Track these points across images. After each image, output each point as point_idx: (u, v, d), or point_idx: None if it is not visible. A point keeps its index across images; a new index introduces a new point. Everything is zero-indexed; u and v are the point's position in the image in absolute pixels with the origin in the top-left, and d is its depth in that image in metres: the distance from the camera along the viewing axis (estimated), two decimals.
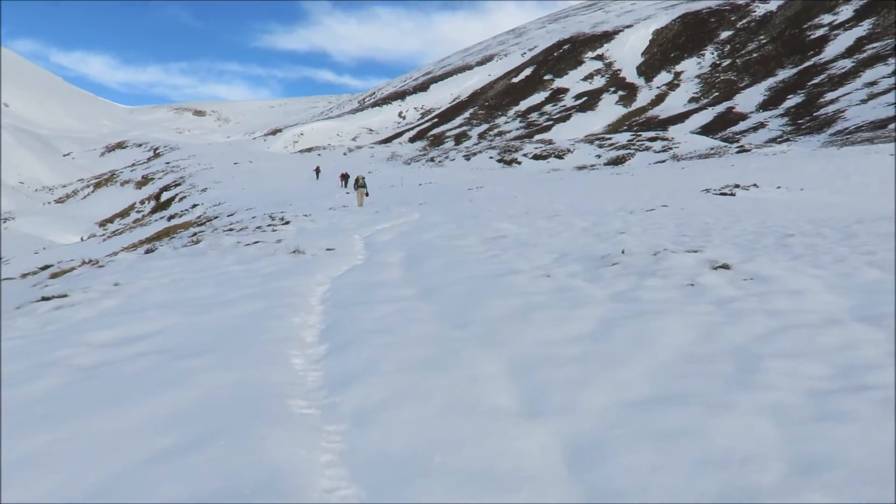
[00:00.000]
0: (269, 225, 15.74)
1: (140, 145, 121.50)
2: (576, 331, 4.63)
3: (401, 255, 9.24)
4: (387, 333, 4.66)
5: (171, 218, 44.91)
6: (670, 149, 59.67)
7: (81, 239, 51.41)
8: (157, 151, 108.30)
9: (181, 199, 55.92)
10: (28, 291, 8.31)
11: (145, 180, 77.62)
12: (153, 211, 59.72)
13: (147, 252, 12.36)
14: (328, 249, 9.82)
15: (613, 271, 6.82)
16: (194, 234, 18.90)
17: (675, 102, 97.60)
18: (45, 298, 6.55)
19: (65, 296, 6.64)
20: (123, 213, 65.22)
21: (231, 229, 16.64)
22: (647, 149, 61.24)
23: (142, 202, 66.37)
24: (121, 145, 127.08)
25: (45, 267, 12.33)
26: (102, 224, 63.15)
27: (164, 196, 62.29)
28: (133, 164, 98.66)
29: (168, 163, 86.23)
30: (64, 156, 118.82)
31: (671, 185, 26.29)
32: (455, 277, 6.84)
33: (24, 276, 11.52)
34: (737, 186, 20.53)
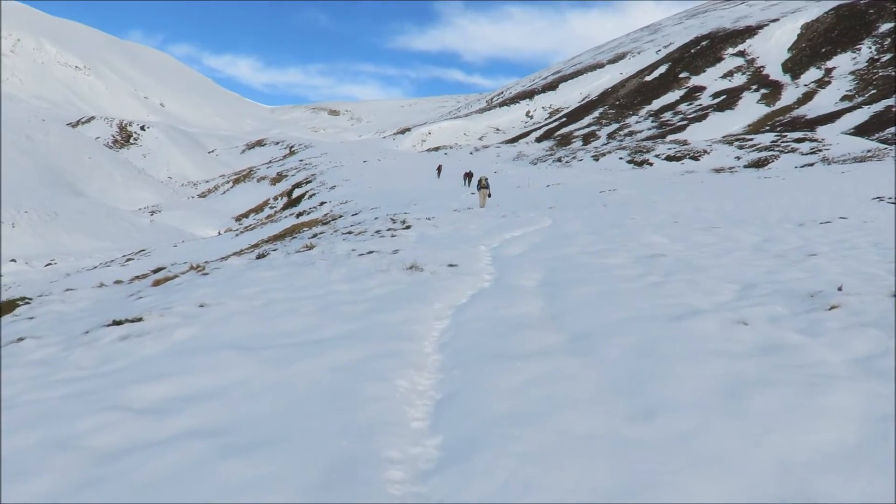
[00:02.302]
0: (390, 229, 14.58)
1: (277, 143, 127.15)
2: (832, 440, 2.86)
3: (537, 275, 7.62)
4: (530, 426, 3.10)
5: (299, 215, 45.61)
6: (820, 150, 54.69)
7: (219, 233, 53.51)
8: (292, 149, 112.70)
9: (310, 196, 57.02)
10: (117, 304, 7.47)
11: (279, 177, 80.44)
12: (284, 207, 61.40)
13: (258, 258, 11.49)
14: (450, 266, 8.36)
15: (837, 319, 4.88)
16: (314, 234, 18.20)
17: (825, 101, 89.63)
18: (116, 323, 5.53)
19: (139, 320, 5.61)
20: (258, 209, 67.71)
21: (350, 232, 15.66)
22: (794, 150, 56.46)
23: (275, 198, 68.60)
24: (260, 143, 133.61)
25: (157, 270, 11.80)
26: (238, 218, 65.88)
27: (296, 192, 63.95)
28: (270, 161, 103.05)
29: (301, 160, 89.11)
30: (209, 153, 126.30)
31: (832, 190, 23.09)
32: (614, 318, 5.16)
33: (131, 280, 10.97)
34: None
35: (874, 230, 11.92)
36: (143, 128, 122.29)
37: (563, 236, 12.10)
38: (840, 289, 5.76)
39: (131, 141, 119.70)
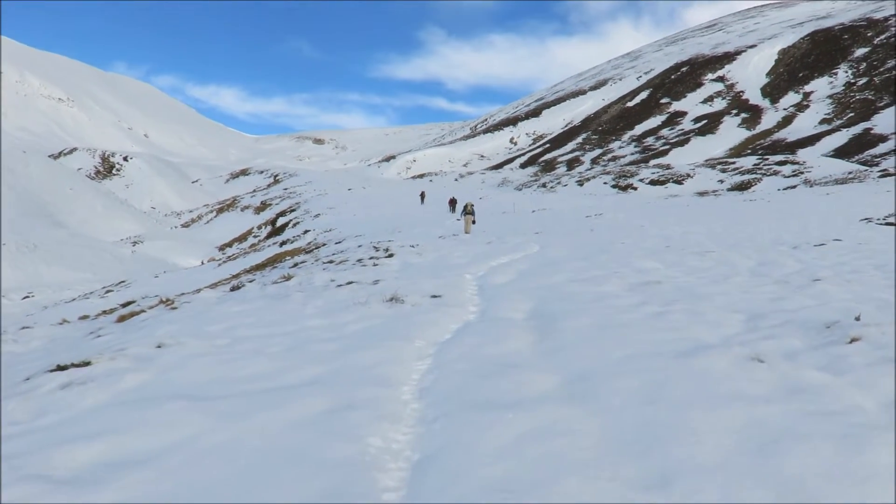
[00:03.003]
0: (372, 258, 14.05)
1: (262, 172, 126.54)
2: None
3: (526, 306, 7.11)
4: (525, 496, 2.56)
5: (283, 244, 45.00)
6: (801, 173, 55.14)
7: (202, 262, 52.67)
8: (277, 178, 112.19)
9: (294, 225, 56.46)
10: (72, 344, 6.88)
11: (263, 206, 79.90)
12: (268, 236, 60.79)
13: (232, 289, 10.91)
14: (433, 297, 7.83)
15: (861, 354, 4.41)
16: (295, 263, 17.65)
17: (805, 124, 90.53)
18: (60, 368, 4.95)
19: (86, 364, 5.03)
20: (241, 238, 67.00)
21: (331, 261, 15.13)
22: (776, 173, 56.88)
23: (259, 227, 68.00)
24: (244, 172, 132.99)
25: (127, 304, 11.19)
26: (222, 248, 65.13)
27: (280, 221, 63.39)
28: (254, 190, 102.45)
29: (286, 188, 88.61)
30: (193, 182, 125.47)
31: (819, 212, 22.94)
32: (614, 355, 4.66)
33: (97, 315, 10.35)
34: None
35: (871, 252, 11.58)
36: (125, 158, 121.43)
37: (552, 263, 11.62)
38: (858, 318, 5.30)
39: (114, 172, 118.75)
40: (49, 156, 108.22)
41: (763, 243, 14.87)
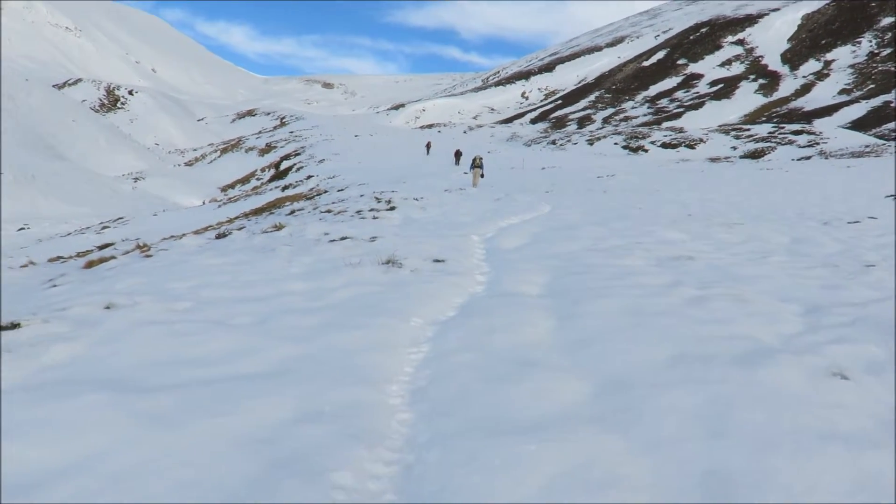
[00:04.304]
0: (372, 209, 13.10)
1: (268, 114, 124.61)
2: None
3: (541, 279, 6.18)
4: None
5: (285, 188, 44.03)
6: (817, 144, 53.94)
7: (203, 203, 51.83)
8: (283, 120, 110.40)
9: (298, 169, 55.35)
10: (23, 294, 5.99)
11: (268, 148, 78.57)
12: (271, 179, 59.75)
13: (218, 237, 10.00)
14: (435, 261, 6.89)
15: None
16: (292, 210, 16.73)
17: (823, 94, 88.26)
18: None
19: (15, 326, 4.16)
20: (244, 180, 65.99)
21: (329, 210, 14.18)
22: (791, 143, 55.61)
23: (262, 170, 66.90)
24: (251, 112, 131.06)
25: (104, 246, 10.31)
26: (224, 189, 64.20)
27: (284, 165, 62.27)
28: (260, 132, 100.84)
29: (292, 132, 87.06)
30: (198, 120, 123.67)
31: (840, 186, 21.83)
32: (655, 355, 3.75)
33: (69, 258, 9.46)
34: None
35: None
36: (131, 92, 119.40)
37: (566, 227, 10.65)
38: None
39: (118, 105, 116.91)
40: (53, 86, 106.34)
41: (788, 216, 13.89)
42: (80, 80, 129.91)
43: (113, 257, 8.02)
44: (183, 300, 5.12)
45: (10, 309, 5.10)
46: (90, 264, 7.83)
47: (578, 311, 4.84)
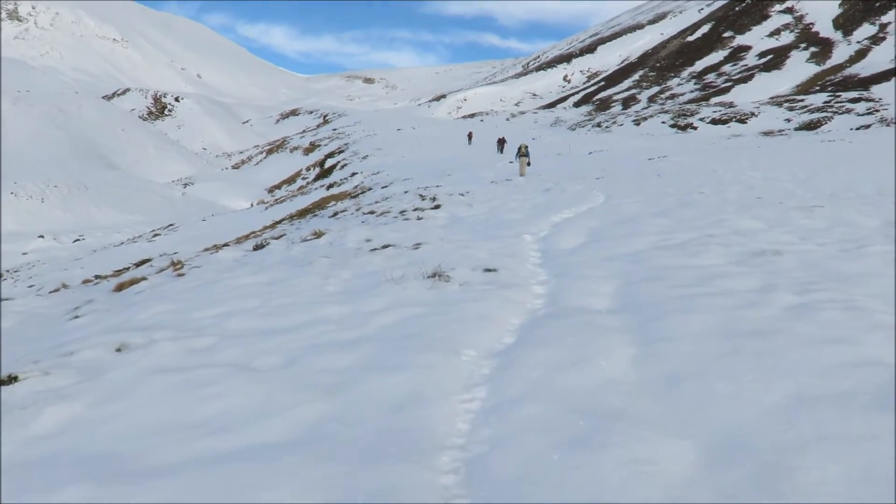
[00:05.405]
0: (416, 209, 12.47)
1: (311, 112, 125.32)
2: None
3: (608, 288, 5.41)
4: None
5: (330, 186, 43.90)
6: (877, 111, 51.82)
7: (251, 205, 52.20)
8: (326, 118, 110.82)
9: (342, 167, 55.26)
10: (43, 327, 5.53)
11: (312, 147, 78.87)
12: (316, 178, 59.84)
13: (256, 248, 9.50)
14: (486, 271, 6.17)
15: None
16: (335, 212, 16.26)
17: (881, 58, 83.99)
18: None
19: (13, 380, 3.64)
20: (290, 180, 66.36)
21: (372, 212, 13.61)
22: (848, 111, 53.52)
23: (307, 168, 67.13)
24: (294, 112, 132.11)
25: (141, 263, 9.94)
26: (271, 190, 64.67)
27: (328, 163, 62.34)
28: (303, 131, 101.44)
29: (335, 129, 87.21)
30: (243, 123, 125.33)
31: None
32: (767, 393, 2.98)
33: (101, 279, 9.08)
34: None
35: None
36: (177, 99, 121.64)
37: (626, 219, 9.79)
38: None
39: (166, 112, 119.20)
40: (103, 97, 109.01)
41: (867, 193, 12.73)
42: (128, 89, 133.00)
43: (144, 278, 7.57)
44: (206, 334, 4.54)
45: (18, 354, 4.61)
46: (120, 287, 7.39)
47: (659, 333, 4.07)
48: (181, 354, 4.14)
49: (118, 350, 4.25)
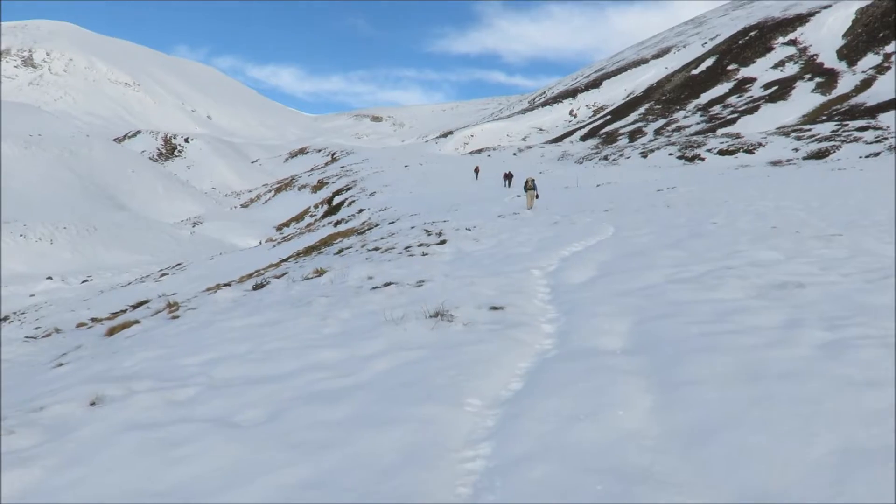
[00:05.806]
0: (421, 245, 12.19)
1: (320, 150, 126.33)
2: None
3: (622, 327, 5.06)
4: None
5: (337, 223, 43.86)
6: (885, 139, 51.87)
7: (260, 243, 52.21)
8: (334, 156, 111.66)
9: (350, 204, 55.33)
10: (25, 378, 5.22)
11: (320, 184, 79.28)
12: (324, 215, 59.94)
13: (255, 288, 9.21)
14: (492, 308, 5.84)
15: None
16: (340, 250, 16.03)
17: (885, 87, 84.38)
18: None
19: None
20: (298, 217, 66.52)
21: (377, 248, 13.35)
22: (856, 140, 53.51)
23: (315, 206, 67.33)
24: (303, 151, 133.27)
25: (139, 304, 9.65)
26: (279, 227, 64.79)
27: (336, 200, 62.47)
28: (312, 169, 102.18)
29: (343, 167, 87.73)
30: (252, 162, 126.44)
31: None
32: (807, 449, 2.62)
33: (100, 321, 8.80)
34: None
35: None
36: (187, 140, 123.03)
37: (637, 252, 9.45)
38: None
39: (176, 153, 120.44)
40: (114, 139, 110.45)
41: (882, 221, 12.38)
42: (139, 132, 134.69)
43: (137, 321, 7.27)
44: (189, 384, 4.21)
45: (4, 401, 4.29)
46: (111, 331, 7.10)
47: (680, 377, 3.71)
48: (159, 408, 3.81)
49: (92, 404, 3.93)
